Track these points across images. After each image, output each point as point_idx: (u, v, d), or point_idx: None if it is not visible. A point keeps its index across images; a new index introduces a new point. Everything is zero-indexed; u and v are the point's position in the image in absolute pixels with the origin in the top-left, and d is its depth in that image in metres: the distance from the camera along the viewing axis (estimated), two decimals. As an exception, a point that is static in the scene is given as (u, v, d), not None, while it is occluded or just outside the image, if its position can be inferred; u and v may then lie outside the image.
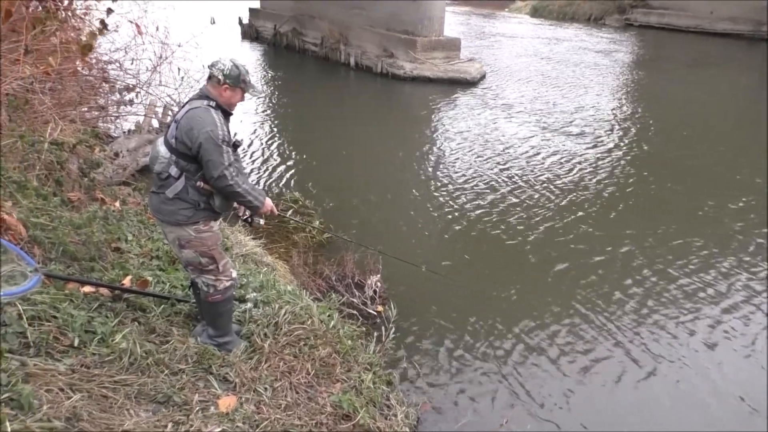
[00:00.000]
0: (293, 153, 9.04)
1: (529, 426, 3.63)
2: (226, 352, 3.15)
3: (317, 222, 6.24)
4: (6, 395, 2.19)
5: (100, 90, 7.33)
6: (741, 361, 4.32)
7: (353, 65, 16.31)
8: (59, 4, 6.51)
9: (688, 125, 11.10)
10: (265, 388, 2.97)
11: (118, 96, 7.41)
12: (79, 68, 6.66)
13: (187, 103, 2.93)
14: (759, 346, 4.48)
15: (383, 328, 4.31)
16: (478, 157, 8.97)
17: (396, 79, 14.73)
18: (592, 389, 4.00)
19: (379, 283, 4.91)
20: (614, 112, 12.00)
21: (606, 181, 8.02)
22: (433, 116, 11.73)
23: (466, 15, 31.40)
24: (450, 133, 10.32)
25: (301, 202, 6.77)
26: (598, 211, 7.04)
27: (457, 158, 8.92)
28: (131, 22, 6.97)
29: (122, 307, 3.17)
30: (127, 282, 3.40)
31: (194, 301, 3.32)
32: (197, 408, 2.68)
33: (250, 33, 21.46)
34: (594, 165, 8.70)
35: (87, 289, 3.17)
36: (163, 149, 2.87)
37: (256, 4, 21.90)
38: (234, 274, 3.15)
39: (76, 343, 2.72)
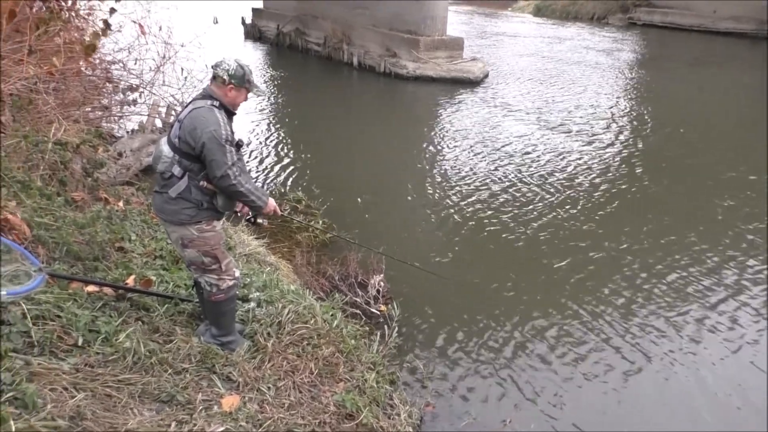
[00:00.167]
0: (296, 153, 9.05)
1: (532, 425, 3.63)
2: (229, 351, 3.15)
3: (320, 222, 6.25)
4: (10, 394, 2.20)
5: (104, 90, 7.34)
6: (742, 358, 4.34)
7: (356, 65, 16.31)
8: (63, 4, 6.54)
9: (689, 124, 11.08)
10: (269, 388, 2.97)
11: (121, 96, 7.42)
12: (82, 68, 6.68)
13: (190, 102, 2.94)
14: (748, 341, 4.53)
15: (386, 327, 4.30)
16: (481, 156, 8.96)
17: (399, 78, 14.73)
18: (595, 389, 3.99)
19: (382, 283, 4.91)
20: (614, 110, 11.98)
21: (606, 180, 8.01)
22: (435, 116, 11.72)
23: (468, 14, 31.37)
24: (452, 132, 10.31)
25: (304, 202, 6.77)
26: (609, 210, 7.06)
27: (459, 158, 8.91)
28: (134, 22, 7.00)
29: (126, 306, 3.18)
30: (130, 281, 3.41)
31: (197, 300, 3.33)
32: (200, 407, 2.68)
33: (253, 33, 21.49)
34: (593, 163, 8.69)
35: (91, 288, 3.18)
36: (166, 149, 2.87)
37: (259, 4, 21.92)
38: (237, 274, 3.15)
39: (80, 343, 2.73)
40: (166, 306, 3.31)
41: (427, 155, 9.15)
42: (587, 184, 7.84)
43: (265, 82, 14.57)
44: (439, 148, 9.55)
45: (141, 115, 7.54)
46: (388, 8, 15.92)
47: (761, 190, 7.62)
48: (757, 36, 22.45)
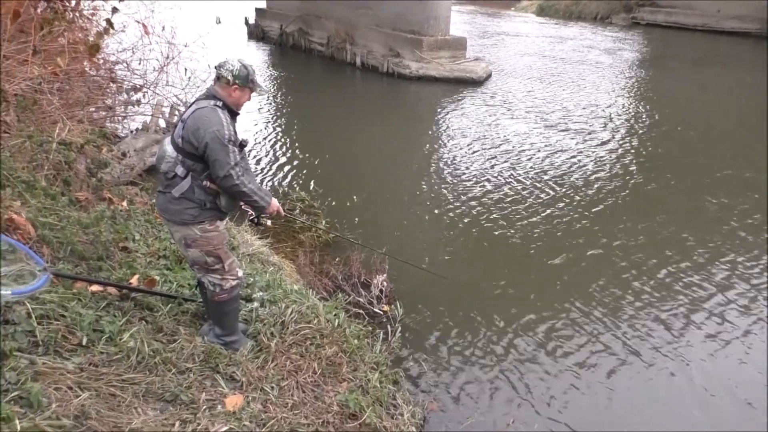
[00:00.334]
0: (299, 152, 9.06)
1: (536, 426, 3.62)
2: (232, 351, 3.16)
3: (323, 222, 6.25)
4: (15, 393, 2.21)
5: (108, 90, 7.37)
6: (741, 357, 4.34)
7: (359, 65, 16.31)
8: (67, 4, 6.56)
9: (690, 123, 11.07)
10: (272, 387, 2.97)
11: (125, 96, 7.44)
12: (86, 68, 6.71)
13: (193, 103, 2.95)
14: (753, 338, 4.54)
15: (389, 327, 4.31)
16: (484, 156, 8.96)
17: (402, 78, 14.72)
18: (598, 388, 3.98)
19: (385, 283, 4.91)
20: (614, 109, 11.97)
21: (607, 180, 8.01)
22: (438, 116, 11.72)
23: (471, 14, 31.34)
24: (455, 132, 10.31)
25: (307, 202, 6.78)
26: (609, 210, 7.06)
27: (462, 158, 8.91)
28: (138, 22, 7.01)
29: (130, 306, 3.18)
30: (134, 281, 3.42)
31: (201, 300, 3.33)
32: (204, 407, 2.68)
33: (256, 33, 21.51)
34: (594, 163, 8.69)
35: (95, 288, 3.19)
36: (169, 149, 2.88)
37: (263, 4, 21.94)
38: (240, 274, 3.16)
39: (84, 342, 2.74)
40: (169, 306, 3.32)
41: (430, 155, 9.15)
42: (594, 183, 7.85)
43: (269, 82, 14.58)
44: (441, 148, 9.55)
45: (144, 115, 7.56)
46: (392, 8, 15.91)
47: (759, 189, 7.62)
48: (762, 35, 22.37)
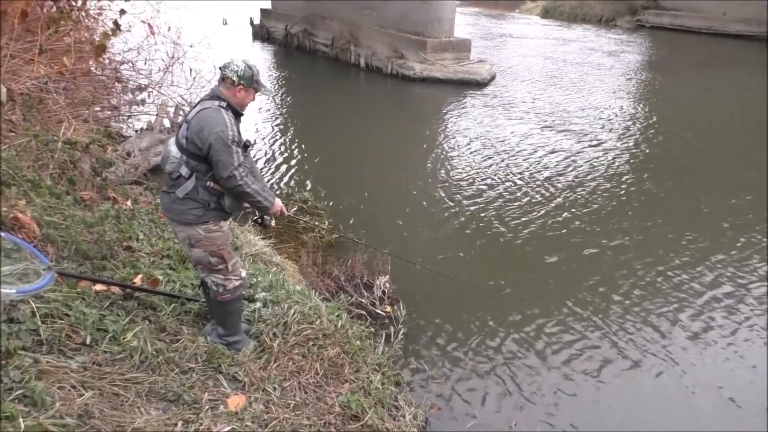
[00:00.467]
0: (303, 153, 9.07)
1: (538, 428, 3.62)
2: (235, 351, 3.17)
3: (326, 222, 6.26)
4: (19, 392, 2.22)
5: (113, 90, 7.39)
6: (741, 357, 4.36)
7: (363, 66, 16.31)
8: (73, 4, 6.60)
9: (692, 126, 11.06)
10: (274, 388, 2.98)
11: (130, 96, 7.47)
12: (92, 68, 6.73)
13: (198, 103, 2.96)
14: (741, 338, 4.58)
15: (392, 328, 4.31)
16: (487, 157, 8.94)
17: (406, 80, 14.71)
18: (602, 390, 3.98)
19: (387, 284, 4.91)
20: (616, 111, 11.95)
21: (607, 180, 8.02)
22: (442, 117, 11.71)
23: (475, 16, 31.30)
24: (458, 134, 10.30)
25: (310, 202, 6.79)
26: (610, 209, 7.04)
27: (465, 159, 8.91)
28: (144, 22, 7.04)
29: (133, 305, 3.20)
30: (138, 281, 3.43)
31: (204, 300, 3.34)
32: (207, 407, 2.69)
33: (261, 34, 21.53)
34: (595, 164, 8.69)
35: (99, 287, 3.21)
36: (174, 149, 2.89)
37: (268, 5, 21.97)
38: (243, 274, 3.16)
39: (88, 341, 2.75)
40: (172, 305, 3.33)
41: (433, 156, 9.14)
42: (600, 185, 7.84)
43: (273, 83, 14.60)
44: (444, 149, 9.55)
45: (149, 114, 7.58)
46: (396, 9, 15.92)
47: (760, 190, 7.61)
48: (765, 39, 22.28)
